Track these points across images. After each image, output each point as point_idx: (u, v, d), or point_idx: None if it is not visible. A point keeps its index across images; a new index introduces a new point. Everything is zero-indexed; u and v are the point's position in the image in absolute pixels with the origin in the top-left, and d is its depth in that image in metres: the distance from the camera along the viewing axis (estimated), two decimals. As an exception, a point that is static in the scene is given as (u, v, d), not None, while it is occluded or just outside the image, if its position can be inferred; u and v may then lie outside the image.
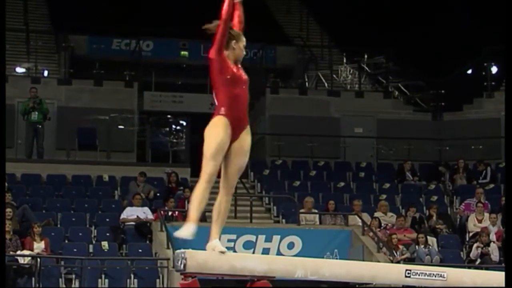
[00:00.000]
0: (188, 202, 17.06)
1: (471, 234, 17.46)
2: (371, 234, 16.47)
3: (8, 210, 15.12)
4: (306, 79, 23.11)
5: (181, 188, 18.10)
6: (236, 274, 6.14)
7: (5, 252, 14.04)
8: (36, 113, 18.84)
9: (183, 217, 16.87)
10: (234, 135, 6.08)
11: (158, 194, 18.00)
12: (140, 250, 16.14)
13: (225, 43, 6.09)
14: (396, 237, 16.40)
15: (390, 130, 21.37)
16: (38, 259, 14.78)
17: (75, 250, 15.79)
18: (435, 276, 6.50)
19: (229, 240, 15.44)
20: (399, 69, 22.93)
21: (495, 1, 23.43)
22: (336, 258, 15.65)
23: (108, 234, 16.52)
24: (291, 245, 16.13)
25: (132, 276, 15.29)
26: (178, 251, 5.99)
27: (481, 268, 14.59)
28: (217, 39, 6.03)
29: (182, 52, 23.31)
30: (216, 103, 6.10)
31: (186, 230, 5.94)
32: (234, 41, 6.15)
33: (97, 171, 18.91)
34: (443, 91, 22.44)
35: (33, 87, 19.23)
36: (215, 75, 6.07)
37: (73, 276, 15.21)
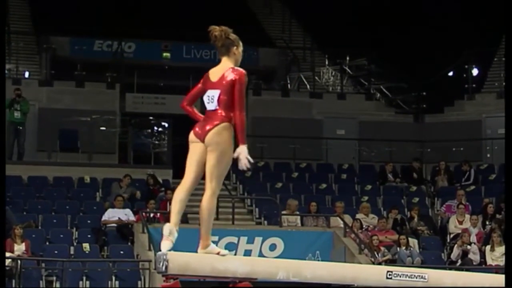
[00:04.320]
0: (170, 203, 17.12)
1: (452, 236, 17.54)
2: (352, 235, 16.51)
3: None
4: (288, 81, 23.13)
5: (163, 189, 18.07)
6: (218, 276, 6.15)
7: (5, 253, 14.00)
8: (18, 112, 18.74)
9: (165, 219, 16.85)
10: None
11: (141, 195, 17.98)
12: (121, 252, 16.10)
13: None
14: (378, 238, 16.45)
15: (372, 132, 21.43)
16: (19, 261, 14.71)
17: (56, 252, 15.73)
18: (416, 278, 6.53)
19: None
20: (381, 71, 23.00)
21: (476, 4, 23.58)
22: (318, 260, 15.66)
23: (89, 236, 16.47)
24: (273, 247, 16.13)
25: (113, 278, 15.26)
26: (160, 252, 5.98)
27: (462, 270, 14.67)
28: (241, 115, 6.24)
29: (164, 54, 23.27)
30: (227, 110, 6.23)
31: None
32: (234, 47, 6.38)
33: (79, 172, 18.85)
34: (424, 93, 22.53)
35: (17, 88, 19.13)
36: (242, 93, 6.26)
37: (54, 278, 15.16)
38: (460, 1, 24.20)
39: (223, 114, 6.24)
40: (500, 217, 17.10)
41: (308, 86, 22.73)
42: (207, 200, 6.20)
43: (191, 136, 6.34)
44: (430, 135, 21.62)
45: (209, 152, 6.24)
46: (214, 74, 6.36)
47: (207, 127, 6.24)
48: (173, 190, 17.82)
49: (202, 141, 6.26)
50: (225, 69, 6.32)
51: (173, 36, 22.94)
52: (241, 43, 6.41)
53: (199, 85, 6.44)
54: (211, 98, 6.29)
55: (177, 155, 21.13)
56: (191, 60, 22.71)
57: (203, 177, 6.33)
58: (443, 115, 22.17)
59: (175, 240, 6.10)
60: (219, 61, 6.43)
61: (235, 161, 6.31)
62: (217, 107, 6.26)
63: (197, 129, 6.31)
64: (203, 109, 6.44)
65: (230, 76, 6.26)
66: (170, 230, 6.10)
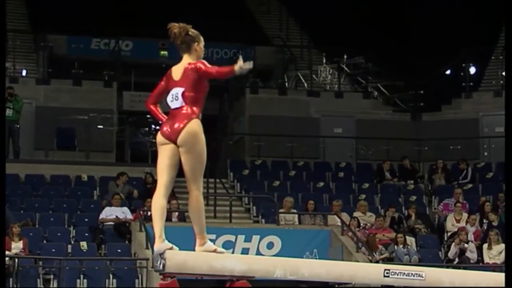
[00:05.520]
0: (169, 202, 17.10)
1: (449, 234, 17.55)
2: (350, 234, 16.52)
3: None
4: (286, 79, 23.12)
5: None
6: (216, 274, 6.14)
7: (5, 253, 13.98)
8: (11, 110, 18.69)
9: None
10: None
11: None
12: (119, 250, 16.09)
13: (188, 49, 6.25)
14: (375, 237, 16.45)
15: (369, 130, 21.43)
16: (16, 260, 14.70)
17: (53, 250, 15.72)
18: (414, 276, 6.52)
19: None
20: (378, 70, 22.98)
21: (473, 3, 23.58)
22: (316, 258, 15.68)
23: (87, 234, 16.46)
24: (270, 245, 16.14)
25: (111, 276, 15.25)
26: (157, 251, 5.97)
27: (459, 268, 14.68)
28: (220, 71, 6.10)
29: (162, 52, 23.25)
30: (194, 106, 6.13)
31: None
32: (196, 43, 6.26)
33: (76, 171, 18.83)
34: (422, 92, 22.52)
35: (9, 86, 19.08)
36: (204, 85, 6.17)
37: (52, 276, 15.15)
38: (457, -1, 24.21)
39: (190, 110, 6.10)
40: (498, 213, 17.16)
41: (305, 85, 22.73)
42: (196, 200, 6.13)
43: (159, 138, 6.14)
44: (428, 133, 21.62)
45: (184, 153, 6.06)
46: (176, 72, 6.25)
47: (177, 126, 6.06)
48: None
49: (174, 141, 6.08)
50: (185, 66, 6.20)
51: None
52: (202, 39, 6.27)
53: (162, 83, 6.30)
54: (175, 96, 6.14)
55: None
56: (188, 59, 22.67)
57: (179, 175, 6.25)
58: (440, 114, 22.17)
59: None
60: (181, 59, 6.33)
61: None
62: (183, 104, 6.12)
63: (165, 129, 6.12)
64: (164, 109, 6.29)
65: (190, 69, 6.14)
66: (164, 249, 5.94)
